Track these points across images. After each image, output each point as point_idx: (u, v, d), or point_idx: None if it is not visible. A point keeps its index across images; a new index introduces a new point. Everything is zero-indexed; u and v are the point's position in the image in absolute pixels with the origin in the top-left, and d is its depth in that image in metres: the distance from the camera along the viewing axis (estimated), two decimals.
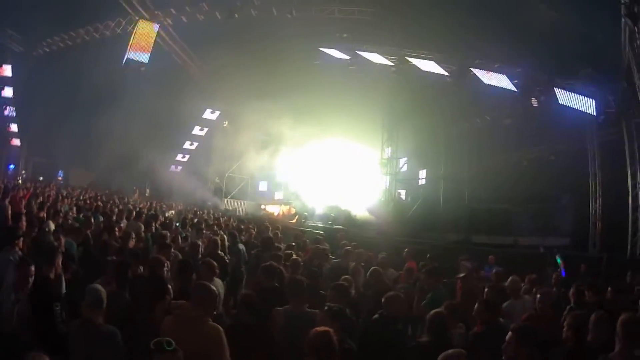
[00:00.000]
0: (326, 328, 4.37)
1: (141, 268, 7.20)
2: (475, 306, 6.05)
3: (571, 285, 8.10)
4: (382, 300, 6.15)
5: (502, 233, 21.08)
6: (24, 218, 9.22)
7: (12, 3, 26.25)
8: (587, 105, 17.01)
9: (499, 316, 6.23)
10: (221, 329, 4.80)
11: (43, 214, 11.94)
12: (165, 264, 7.23)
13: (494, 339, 5.17)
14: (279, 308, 5.99)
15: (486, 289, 7.29)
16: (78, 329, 4.86)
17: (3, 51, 33.14)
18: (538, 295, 7.22)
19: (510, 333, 4.49)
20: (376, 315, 6.07)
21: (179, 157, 39.41)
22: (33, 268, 5.72)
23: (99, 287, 5.15)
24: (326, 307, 5.39)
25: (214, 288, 5.23)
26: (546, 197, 21.02)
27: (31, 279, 5.60)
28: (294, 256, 9.24)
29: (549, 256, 15.02)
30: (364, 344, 5.50)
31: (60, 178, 37.49)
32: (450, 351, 4.09)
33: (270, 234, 12.92)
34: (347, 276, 7.82)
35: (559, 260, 13.73)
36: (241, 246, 11.45)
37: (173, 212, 23.16)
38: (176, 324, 4.70)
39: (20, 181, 23.44)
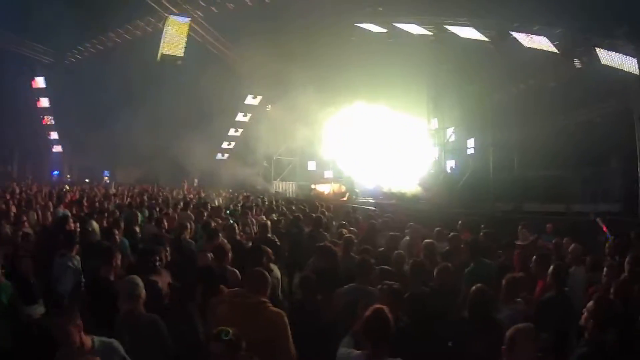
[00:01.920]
0: (381, 306, 4.38)
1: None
2: (549, 272, 6.20)
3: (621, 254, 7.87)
4: (434, 272, 6.53)
5: (554, 200, 20.94)
6: (71, 221, 9.64)
7: (38, 17, 27.37)
8: (629, 64, 16.76)
9: (566, 285, 6.25)
10: (284, 313, 4.90)
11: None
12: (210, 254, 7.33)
13: (561, 307, 5.61)
14: (341, 288, 6.21)
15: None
16: (120, 321, 5.04)
17: (34, 65, 34.94)
18: (605, 268, 7.02)
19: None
20: (424, 288, 6.37)
21: (225, 144, 40.77)
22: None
23: (136, 277, 5.32)
24: (385, 285, 5.56)
25: (266, 273, 5.35)
26: (595, 161, 20.67)
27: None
28: (347, 234, 9.37)
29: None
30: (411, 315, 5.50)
31: (106, 178, 38.92)
32: (520, 325, 4.04)
33: (319, 214, 13.02)
34: (400, 251, 8.05)
35: (598, 222, 13.74)
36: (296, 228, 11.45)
37: (221, 199, 23.56)
38: (234, 311, 4.80)
39: (67, 187, 24.57)
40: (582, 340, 4.43)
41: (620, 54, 16.99)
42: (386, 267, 7.09)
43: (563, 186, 21.31)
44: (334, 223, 12.73)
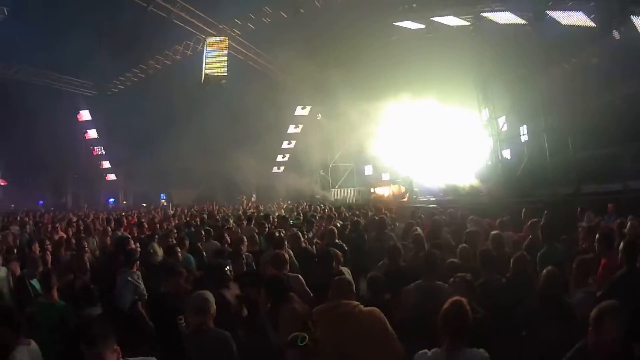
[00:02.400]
0: (459, 298, 4.40)
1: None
2: (620, 248, 6.11)
3: None
4: (511, 261, 6.45)
5: (611, 179, 20.50)
6: (132, 242, 9.76)
7: (77, 51, 28.03)
8: None
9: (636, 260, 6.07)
10: (376, 309, 4.90)
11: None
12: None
13: (635, 283, 5.53)
14: (408, 286, 6.15)
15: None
16: (190, 337, 5.11)
17: (77, 99, 36.79)
18: None
19: None
20: (499, 277, 6.40)
21: (279, 157, 41.36)
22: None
23: (205, 292, 5.29)
24: (457, 278, 5.58)
25: (350, 279, 5.46)
26: None
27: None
28: (418, 231, 9.50)
29: None
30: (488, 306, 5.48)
31: (163, 200, 40.12)
32: (604, 304, 3.89)
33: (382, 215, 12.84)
34: (464, 245, 8.03)
35: None
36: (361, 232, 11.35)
37: (283, 211, 23.50)
38: (335, 324, 4.74)
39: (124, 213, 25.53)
40: None
41: None
42: (454, 260, 7.21)
43: (617, 164, 20.75)
44: (397, 224, 12.83)
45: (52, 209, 32.54)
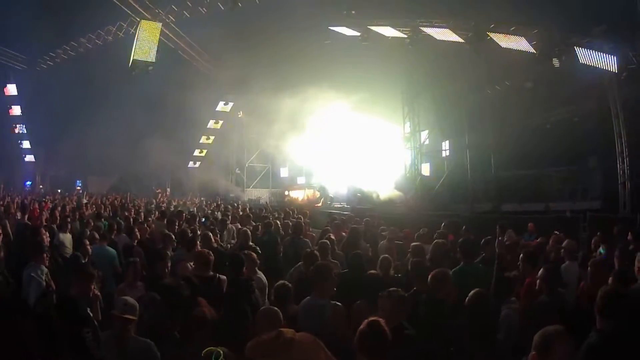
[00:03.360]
0: (376, 318, 4.20)
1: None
2: (540, 275, 6.08)
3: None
4: (429, 278, 6.08)
5: (532, 199, 21.52)
6: (42, 231, 8.91)
7: (9, 23, 27.24)
8: (608, 62, 17.22)
9: (559, 286, 6.25)
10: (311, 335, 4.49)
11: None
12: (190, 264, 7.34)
13: (555, 309, 5.52)
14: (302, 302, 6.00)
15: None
16: (109, 342, 4.81)
17: (6, 71, 34.63)
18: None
19: None
20: (424, 296, 6.05)
21: (196, 152, 40.63)
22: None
23: (128, 298, 5.13)
24: (385, 292, 5.26)
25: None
26: (573, 160, 21.38)
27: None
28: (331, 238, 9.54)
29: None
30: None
31: (78, 187, 38.46)
32: (550, 328, 3.71)
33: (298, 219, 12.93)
34: (386, 255, 7.90)
35: None
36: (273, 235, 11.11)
37: (195, 208, 23.47)
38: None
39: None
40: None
41: (598, 52, 17.45)
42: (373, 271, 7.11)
43: (541, 185, 21.88)
44: (310, 229, 12.76)
45: None
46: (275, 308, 5.03)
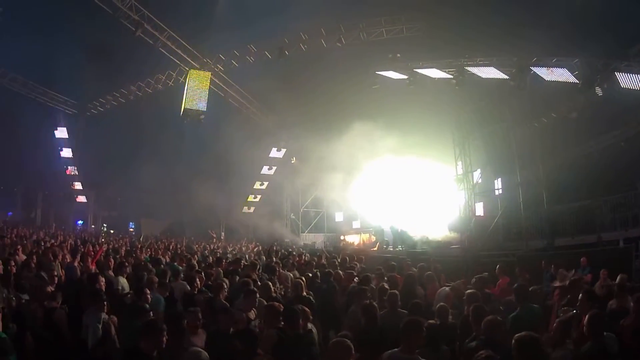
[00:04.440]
0: None
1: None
2: (585, 322, 5.94)
3: None
4: (482, 324, 6.11)
5: (585, 231, 21.00)
6: (100, 278, 9.13)
7: (61, 68, 28.70)
8: None
9: (604, 330, 6.00)
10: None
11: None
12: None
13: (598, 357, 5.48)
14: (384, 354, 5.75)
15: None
16: None
17: (56, 115, 36.61)
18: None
19: None
20: (474, 342, 6.06)
21: (251, 197, 41.37)
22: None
23: (200, 352, 5.36)
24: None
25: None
26: (622, 187, 20.73)
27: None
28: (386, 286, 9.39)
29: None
30: None
31: (131, 229, 39.92)
32: None
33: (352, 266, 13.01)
34: (442, 303, 7.94)
35: None
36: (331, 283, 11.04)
37: (253, 254, 23.64)
38: None
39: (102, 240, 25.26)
40: None
41: (638, 75, 17.41)
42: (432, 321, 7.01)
43: (593, 216, 21.37)
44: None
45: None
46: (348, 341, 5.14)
